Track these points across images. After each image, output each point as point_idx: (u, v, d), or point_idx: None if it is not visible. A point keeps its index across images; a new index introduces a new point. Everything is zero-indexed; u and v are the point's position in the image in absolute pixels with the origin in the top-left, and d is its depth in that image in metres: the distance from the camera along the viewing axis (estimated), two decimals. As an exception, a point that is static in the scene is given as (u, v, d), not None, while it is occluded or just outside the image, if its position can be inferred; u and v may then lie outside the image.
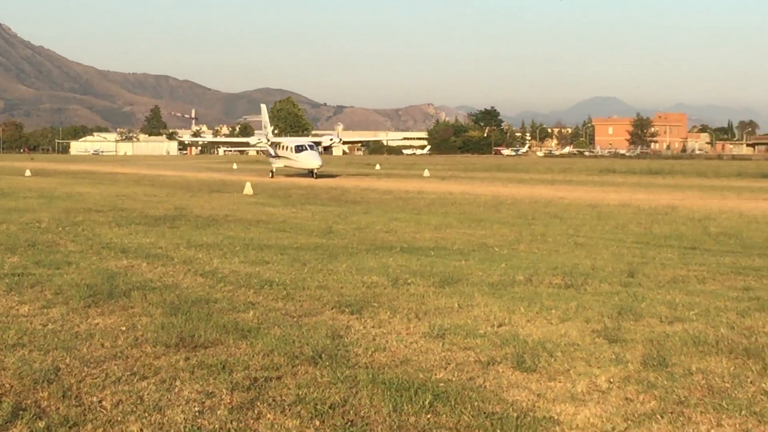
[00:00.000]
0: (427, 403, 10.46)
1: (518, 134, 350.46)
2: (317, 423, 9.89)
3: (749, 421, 9.80)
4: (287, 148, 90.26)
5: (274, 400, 10.66)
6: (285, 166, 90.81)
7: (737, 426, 9.69)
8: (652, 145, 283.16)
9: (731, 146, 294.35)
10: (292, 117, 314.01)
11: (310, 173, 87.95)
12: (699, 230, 31.81)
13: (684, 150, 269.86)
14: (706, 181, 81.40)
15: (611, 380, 11.47)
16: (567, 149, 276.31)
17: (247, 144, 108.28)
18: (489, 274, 20.24)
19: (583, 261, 23.08)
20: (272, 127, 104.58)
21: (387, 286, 18.57)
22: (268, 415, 10.15)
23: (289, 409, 10.32)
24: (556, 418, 10.09)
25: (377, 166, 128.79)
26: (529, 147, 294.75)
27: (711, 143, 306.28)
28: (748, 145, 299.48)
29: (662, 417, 9.99)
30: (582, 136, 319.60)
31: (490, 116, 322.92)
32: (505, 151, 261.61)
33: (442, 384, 11.27)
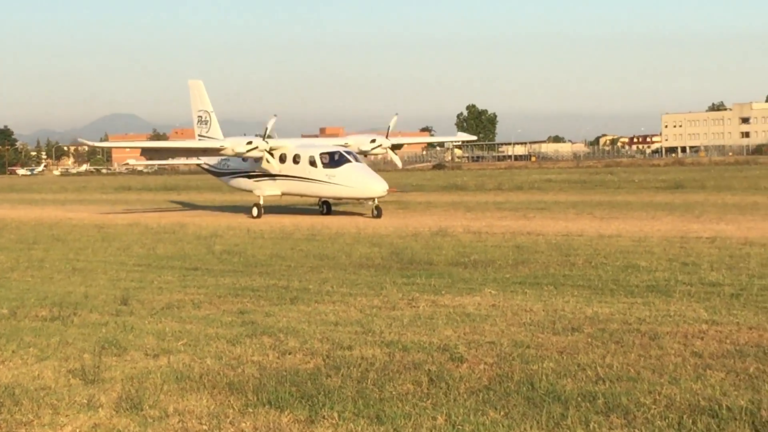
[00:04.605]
0: None
1: (33, 153, 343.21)
2: None
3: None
4: (298, 159, 50.51)
5: None
6: (284, 194, 52.84)
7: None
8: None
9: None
10: None
11: (324, 206, 52.46)
12: (204, 249, 31.16)
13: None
14: (220, 196, 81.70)
15: (78, 431, 10.27)
16: (84, 167, 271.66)
17: (216, 151, 53.34)
18: (-32, 310, 18.43)
19: (77, 288, 21.77)
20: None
21: None
22: None
23: None
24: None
25: None
26: (45, 166, 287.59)
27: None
28: (121, 165, 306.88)
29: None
30: (99, 154, 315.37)
31: (3, 135, 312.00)
32: (21, 171, 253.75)
33: None
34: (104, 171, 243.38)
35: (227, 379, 12.25)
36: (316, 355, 13.58)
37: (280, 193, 52.17)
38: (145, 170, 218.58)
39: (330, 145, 52.23)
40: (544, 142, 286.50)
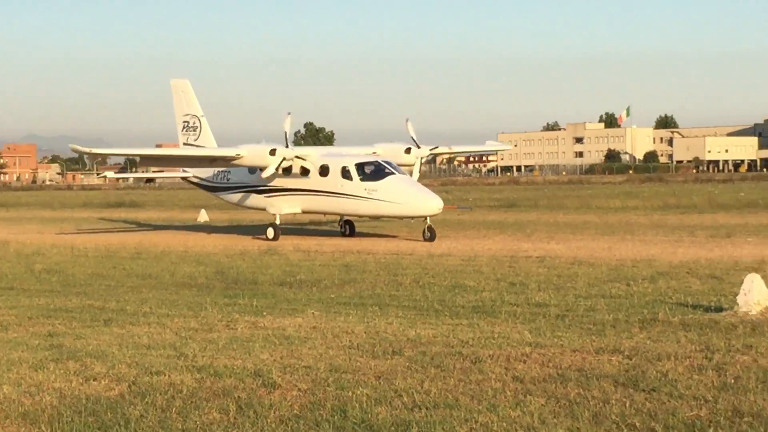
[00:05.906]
0: None
1: None
2: None
3: None
4: (326, 170, 42.38)
5: None
6: (305, 212, 44.87)
7: None
8: (2, 176, 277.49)
9: (82, 176, 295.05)
10: None
11: (344, 226, 44.80)
12: (23, 268, 30.00)
13: (34, 181, 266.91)
14: (51, 213, 79.64)
15: None
16: None
17: (228, 160, 43.75)
18: None
19: None
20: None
21: None
22: None
23: None
24: None
25: None
26: None
27: (62, 174, 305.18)
28: (98, 175, 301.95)
29: None
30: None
31: None
32: None
33: None
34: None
35: (22, 408, 11.47)
36: (122, 381, 12.85)
37: (300, 210, 43.89)
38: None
39: (362, 154, 43.58)
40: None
